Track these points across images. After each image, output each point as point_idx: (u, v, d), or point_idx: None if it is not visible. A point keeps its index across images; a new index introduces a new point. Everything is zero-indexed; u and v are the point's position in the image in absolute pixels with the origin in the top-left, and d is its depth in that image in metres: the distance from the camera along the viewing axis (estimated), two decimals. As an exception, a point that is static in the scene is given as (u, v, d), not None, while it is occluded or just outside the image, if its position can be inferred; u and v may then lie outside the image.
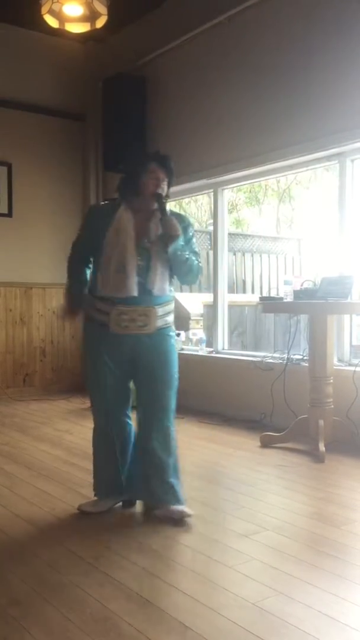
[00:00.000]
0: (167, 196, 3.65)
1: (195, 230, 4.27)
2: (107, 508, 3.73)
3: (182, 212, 4.09)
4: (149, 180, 3.55)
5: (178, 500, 3.59)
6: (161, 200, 3.54)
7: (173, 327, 3.71)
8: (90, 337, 3.73)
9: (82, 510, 3.72)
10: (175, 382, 3.66)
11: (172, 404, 3.66)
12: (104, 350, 3.63)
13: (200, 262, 3.70)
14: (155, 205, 3.55)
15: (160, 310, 3.58)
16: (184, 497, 3.63)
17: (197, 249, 3.72)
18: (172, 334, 3.70)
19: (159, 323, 3.58)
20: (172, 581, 2.82)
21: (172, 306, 3.69)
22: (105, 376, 3.64)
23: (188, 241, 3.65)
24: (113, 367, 3.62)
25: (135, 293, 3.48)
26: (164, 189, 3.58)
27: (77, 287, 3.78)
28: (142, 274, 3.50)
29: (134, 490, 3.76)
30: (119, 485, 3.74)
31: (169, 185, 3.64)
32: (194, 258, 3.63)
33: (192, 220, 3.90)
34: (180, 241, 3.53)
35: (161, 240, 3.50)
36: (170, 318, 3.68)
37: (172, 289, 3.69)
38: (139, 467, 3.72)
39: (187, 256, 3.57)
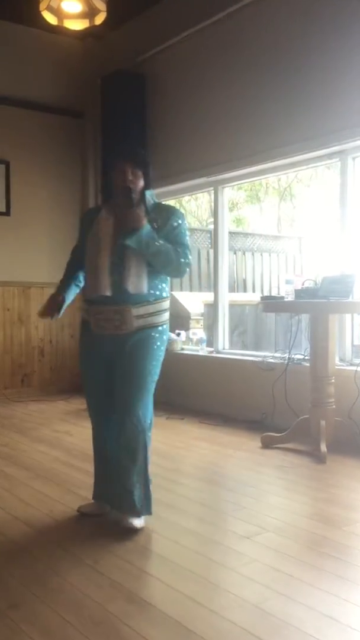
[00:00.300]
0: (146, 187, 3.56)
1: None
2: (103, 511, 3.70)
3: (170, 204, 3.93)
4: (117, 176, 3.52)
5: (132, 510, 3.45)
6: (128, 193, 3.47)
7: (162, 327, 3.56)
8: (80, 338, 3.76)
9: (82, 512, 3.69)
10: (147, 385, 3.48)
11: (143, 408, 3.47)
12: (90, 351, 3.64)
13: (185, 253, 3.52)
14: (129, 200, 3.49)
15: (137, 310, 3.44)
16: (144, 507, 3.48)
17: (184, 241, 3.57)
18: (156, 334, 3.52)
19: (139, 323, 3.45)
20: (172, 583, 2.80)
21: (159, 306, 3.53)
22: (92, 377, 3.65)
23: (171, 232, 3.52)
24: (98, 368, 3.61)
25: (108, 292, 3.44)
26: (133, 181, 3.49)
27: (60, 288, 3.80)
28: (118, 272, 3.43)
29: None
30: (110, 488, 3.68)
31: (146, 175, 3.55)
32: (170, 248, 3.46)
33: (181, 211, 3.75)
34: (145, 233, 3.39)
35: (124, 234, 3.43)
36: (157, 318, 3.52)
37: (163, 287, 3.56)
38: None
39: (157, 247, 3.42)
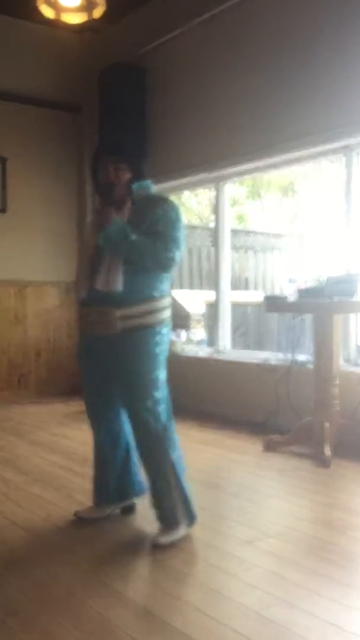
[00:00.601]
0: (136, 178, 3.46)
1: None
2: (102, 515, 3.65)
3: (161, 194, 3.80)
4: (100, 173, 3.46)
5: (164, 521, 3.35)
6: (109, 190, 3.41)
7: (158, 328, 3.40)
8: (77, 339, 3.73)
9: (78, 516, 3.65)
10: (148, 388, 3.35)
11: (150, 412, 3.34)
12: (84, 352, 3.60)
13: (167, 247, 3.31)
14: (109, 197, 3.43)
15: (123, 311, 3.32)
16: (177, 516, 3.34)
17: (168, 232, 3.35)
18: (150, 335, 3.37)
19: (127, 324, 3.32)
20: (172, 590, 2.79)
21: (151, 306, 3.38)
22: (86, 380, 3.62)
23: (154, 223, 3.37)
24: (91, 370, 3.56)
25: (84, 293, 3.44)
26: (115, 176, 3.40)
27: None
28: (95, 271, 3.38)
29: (127, 497, 3.71)
30: (107, 494, 3.66)
31: (133, 167, 3.46)
32: (146, 242, 3.29)
33: (171, 201, 3.56)
34: (113, 230, 3.26)
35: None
36: (150, 319, 3.37)
37: (156, 286, 3.41)
38: (128, 473, 3.67)
39: (130, 243, 3.27)
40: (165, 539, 3.26)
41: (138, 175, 3.49)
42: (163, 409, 3.39)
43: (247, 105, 6.30)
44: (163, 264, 3.33)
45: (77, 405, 7.15)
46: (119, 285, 3.31)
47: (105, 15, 4.97)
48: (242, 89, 6.35)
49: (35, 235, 7.99)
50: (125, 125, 7.19)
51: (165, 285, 3.49)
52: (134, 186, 3.45)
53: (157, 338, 3.39)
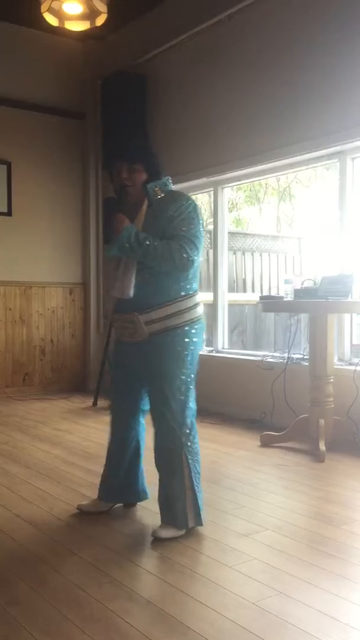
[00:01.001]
0: (152, 178, 3.41)
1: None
2: (105, 508, 3.71)
3: (178, 191, 3.56)
4: (115, 176, 3.44)
5: (174, 522, 3.34)
6: (123, 192, 3.39)
7: (184, 329, 3.34)
8: (114, 343, 3.74)
9: (81, 510, 3.70)
10: (174, 391, 3.34)
11: (177, 414, 3.33)
12: (117, 356, 3.64)
13: (184, 247, 3.23)
14: (123, 200, 3.41)
15: (147, 316, 3.30)
16: (188, 519, 3.34)
17: (183, 232, 3.27)
18: (176, 337, 3.33)
19: (153, 328, 3.31)
20: (172, 581, 2.81)
21: (174, 307, 3.31)
22: (114, 380, 3.65)
23: (169, 222, 3.30)
24: (122, 373, 3.60)
25: (114, 299, 3.43)
26: (129, 178, 3.38)
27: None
28: (116, 280, 3.38)
29: (131, 497, 3.76)
30: (114, 488, 3.71)
31: (149, 167, 3.42)
32: (159, 245, 3.22)
33: (187, 197, 3.42)
34: (126, 236, 3.23)
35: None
36: (175, 320, 3.31)
37: (180, 287, 3.35)
38: (134, 477, 3.71)
39: (145, 248, 3.21)
40: (166, 533, 3.29)
41: (154, 175, 3.43)
42: (188, 412, 3.39)
43: (244, 112, 6.36)
44: (180, 264, 3.24)
45: (79, 402, 7.26)
46: (129, 292, 3.28)
47: (107, 23, 5.05)
48: (239, 96, 6.41)
49: (40, 238, 8.06)
50: (127, 131, 7.25)
51: (190, 285, 3.40)
52: (150, 185, 3.38)
53: (185, 339, 3.35)
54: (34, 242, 8.01)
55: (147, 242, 3.22)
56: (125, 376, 3.57)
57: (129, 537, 3.35)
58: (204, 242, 3.58)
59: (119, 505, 3.78)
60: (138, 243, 3.22)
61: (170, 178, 3.53)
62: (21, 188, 7.87)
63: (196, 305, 3.42)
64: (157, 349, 3.33)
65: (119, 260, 3.39)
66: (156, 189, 3.41)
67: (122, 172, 3.38)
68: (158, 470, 3.43)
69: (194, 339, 3.39)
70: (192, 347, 3.38)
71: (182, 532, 3.33)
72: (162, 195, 3.40)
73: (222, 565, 2.99)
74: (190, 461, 3.36)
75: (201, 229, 3.36)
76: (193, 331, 3.38)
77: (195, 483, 3.37)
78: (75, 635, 2.36)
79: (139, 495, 3.75)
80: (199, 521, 3.38)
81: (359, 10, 5.28)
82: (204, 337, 3.60)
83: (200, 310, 3.45)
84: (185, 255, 3.23)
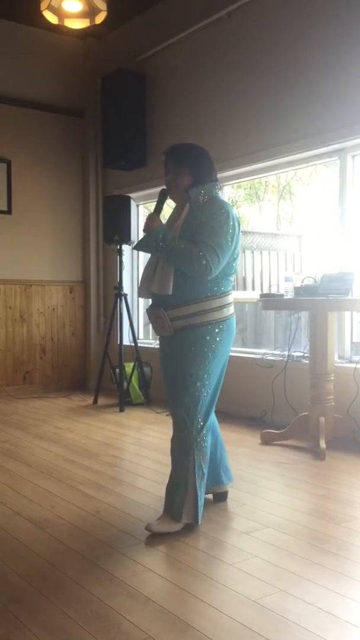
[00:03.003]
0: (197, 183, 3.44)
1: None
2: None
3: (221, 200, 3.52)
4: (165, 174, 3.55)
5: (171, 512, 3.38)
6: (163, 195, 3.50)
7: (207, 328, 3.38)
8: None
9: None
10: (190, 387, 3.38)
11: (188, 411, 3.39)
12: (159, 350, 3.70)
13: (205, 254, 3.24)
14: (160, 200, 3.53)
15: (173, 312, 3.37)
16: (182, 514, 3.37)
17: (209, 240, 3.28)
18: (198, 336, 3.37)
19: (179, 324, 3.38)
20: (172, 578, 2.82)
21: (198, 306, 3.36)
22: (163, 375, 3.67)
23: (199, 228, 3.34)
24: (162, 367, 3.65)
25: (143, 295, 3.54)
26: (172, 180, 3.48)
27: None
28: (150, 276, 3.47)
29: (221, 480, 3.84)
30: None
31: (196, 171, 3.45)
32: (185, 249, 3.27)
33: (226, 209, 3.39)
34: (154, 236, 3.32)
35: None
36: (198, 319, 3.36)
37: (206, 287, 3.38)
38: (220, 462, 3.81)
39: (170, 248, 3.28)
40: (158, 528, 3.32)
41: (201, 179, 3.46)
42: (200, 409, 3.42)
43: (244, 109, 6.37)
44: (198, 270, 3.27)
45: (80, 400, 7.27)
46: (169, 289, 3.33)
47: (107, 21, 5.06)
48: (239, 94, 6.41)
49: (40, 236, 8.07)
50: (127, 129, 7.27)
51: (218, 286, 3.43)
52: (194, 190, 3.42)
53: (206, 337, 3.39)
54: (34, 240, 8.02)
55: (173, 244, 3.30)
56: (164, 369, 3.64)
57: (129, 534, 3.36)
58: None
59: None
60: (164, 243, 3.31)
61: (218, 183, 3.56)
62: (21, 186, 7.88)
63: (224, 306, 3.46)
64: (180, 345, 3.42)
65: (156, 258, 3.47)
66: (201, 193, 3.44)
67: (168, 174, 3.49)
68: (171, 460, 3.51)
69: (217, 339, 3.42)
70: (213, 346, 3.42)
71: (176, 527, 3.35)
72: (205, 200, 3.44)
73: (223, 562, 3.00)
74: (196, 457, 3.40)
75: (229, 240, 3.36)
76: (217, 330, 3.42)
77: (197, 480, 3.40)
78: (76, 633, 2.36)
79: (225, 475, 3.83)
80: (194, 519, 3.41)
81: (358, 8, 5.28)
82: (233, 338, 3.58)
83: (228, 311, 3.49)
84: (204, 262, 3.26)
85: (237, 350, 6.81)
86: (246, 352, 6.63)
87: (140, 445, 5.38)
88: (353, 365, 5.30)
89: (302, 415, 5.18)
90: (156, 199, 3.62)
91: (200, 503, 3.42)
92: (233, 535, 3.34)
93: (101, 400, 7.16)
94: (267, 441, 5.29)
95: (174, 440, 3.49)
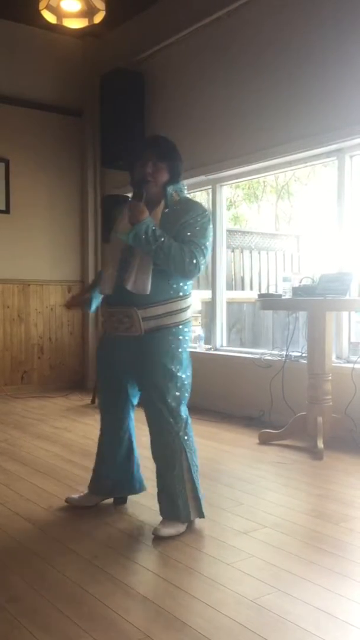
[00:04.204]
0: (173, 180, 3.42)
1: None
2: (92, 503, 3.75)
3: (195, 200, 3.60)
4: (138, 167, 3.42)
5: (177, 517, 3.37)
6: (144, 186, 3.35)
7: (178, 328, 3.40)
8: (99, 338, 3.79)
9: (70, 502, 3.76)
10: (170, 388, 3.38)
11: (173, 410, 3.38)
12: (104, 350, 3.62)
13: (194, 253, 3.26)
14: (140, 193, 3.33)
15: (145, 312, 3.32)
16: (190, 512, 3.39)
17: (196, 240, 3.30)
18: (171, 336, 3.38)
19: (150, 324, 3.33)
20: (170, 578, 2.82)
21: (172, 306, 3.37)
22: (102, 375, 3.66)
23: (183, 228, 3.31)
24: (108, 367, 3.59)
25: (109, 291, 3.40)
26: (153, 174, 3.37)
27: (89, 286, 3.78)
28: (125, 271, 3.33)
29: (124, 492, 3.79)
30: (103, 484, 3.74)
31: (172, 168, 3.42)
32: (174, 246, 3.24)
33: (204, 208, 3.43)
34: (143, 228, 3.20)
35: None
36: (171, 319, 3.37)
37: (178, 287, 3.40)
38: (129, 469, 3.73)
39: (158, 244, 3.21)
40: (166, 531, 3.30)
41: (175, 178, 3.45)
42: (182, 407, 3.44)
43: (242, 109, 6.37)
44: (188, 269, 3.28)
45: (78, 400, 7.26)
46: (147, 288, 3.28)
47: (105, 20, 5.05)
48: (237, 94, 6.42)
49: (38, 236, 8.07)
50: (125, 129, 7.26)
51: (188, 286, 3.47)
52: (170, 188, 3.41)
53: (179, 337, 3.41)
54: (33, 239, 8.02)
55: (163, 239, 3.23)
56: (114, 370, 3.57)
57: (126, 534, 3.36)
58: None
59: (108, 501, 3.80)
60: (154, 237, 3.22)
61: (185, 185, 3.56)
62: (19, 186, 7.87)
63: (189, 307, 3.49)
64: (152, 346, 3.36)
65: (128, 251, 3.35)
66: (175, 191, 3.44)
67: (148, 165, 3.39)
68: (157, 465, 3.45)
69: (186, 338, 3.46)
70: (185, 346, 3.45)
71: (182, 528, 3.36)
72: (178, 199, 3.44)
73: (221, 562, 2.99)
74: (188, 454, 3.41)
75: (210, 241, 3.42)
76: (186, 330, 3.45)
77: (194, 475, 3.41)
78: (74, 632, 2.36)
79: (136, 487, 3.77)
80: (200, 513, 3.42)
81: (357, 8, 5.29)
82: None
83: (191, 312, 3.53)
84: (194, 262, 3.27)
85: (235, 350, 6.83)
86: (244, 352, 6.63)
87: (138, 445, 5.36)
88: (351, 365, 5.31)
89: (300, 415, 5.18)
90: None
91: (201, 495, 3.43)
92: (231, 534, 3.34)
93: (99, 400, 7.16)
94: (265, 441, 5.29)
95: (156, 445, 3.44)
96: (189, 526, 3.40)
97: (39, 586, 2.74)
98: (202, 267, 3.34)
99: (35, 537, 3.33)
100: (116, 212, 3.63)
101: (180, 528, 3.35)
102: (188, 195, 3.56)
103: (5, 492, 4.05)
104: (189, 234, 3.31)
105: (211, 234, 3.42)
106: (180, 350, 3.41)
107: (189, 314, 3.48)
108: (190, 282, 3.49)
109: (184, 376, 3.44)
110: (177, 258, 3.25)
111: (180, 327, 3.42)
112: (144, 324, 3.33)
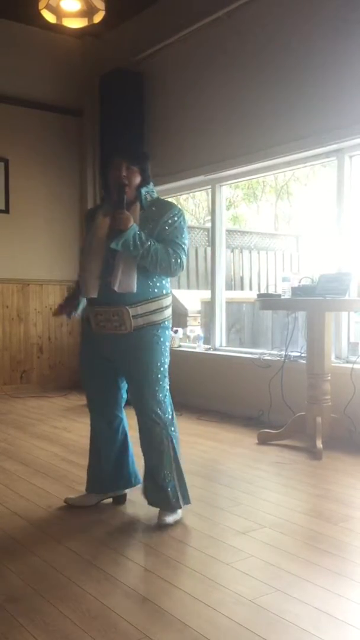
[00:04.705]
0: (144, 183, 3.54)
1: (193, 227, 4.05)
2: (91, 503, 3.77)
3: (169, 200, 3.87)
4: (112, 173, 3.51)
5: (167, 506, 3.51)
6: (122, 191, 3.44)
7: (164, 324, 3.54)
8: (82, 336, 3.86)
9: (69, 503, 3.78)
10: (157, 382, 3.50)
11: (159, 404, 3.51)
12: (89, 349, 3.70)
13: (177, 253, 3.45)
14: (121, 198, 3.45)
15: (134, 310, 3.42)
16: (179, 500, 3.52)
17: (178, 239, 3.48)
18: (157, 332, 3.51)
19: (139, 322, 3.44)
20: (169, 578, 2.82)
21: (158, 303, 3.51)
22: (90, 374, 3.72)
23: (164, 229, 3.47)
24: (96, 366, 3.66)
25: (94, 294, 3.48)
26: (127, 177, 3.46)
27: (74, 291, 3.83)
28: (110, 273, 3.41)
29: (120, 487, 3.81)
30: (101, 482, 3.77)
31: (143, 171, 3.53)
32: (159, 248, 3.39)
33: (179, 208, 3.63)
34: (132, 235, 3.33)
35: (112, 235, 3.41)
36: (157, 316, 3.50)
37: (162, 285, 3.53)
38: (125, 464, 3.78)
39: (146, 248, 3.34)
40: (171, 518, 3.45)
41: (146, 179, 3.57)
42: (167, 399, 3.56)
43: (241, 109, 6.37)
44: (173, 269, 3.46)
45: (77, 400, 7.25)
46: (133, 287, 3.40)
47: (105, 20, 5.04)
48: (237, 94, 6.42)
49: (37, 235, 8.06)
50: (125, 129, 7.26)
51: (169, 284, 3.62)
52: (143, 190, 3.53)
53: (164, 333, 3.56)
54: (32, 239, 8.01)
55: (149, 243, 3.38)
56: (103, 368, 3.65)
57: (125, 533, 3.37)
58: (202, 240, 3.69)
59: (107, 501, 3.82)
60: (141, 242, 3.36)
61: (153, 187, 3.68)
62: (19, 185, 7.87)
63: (170, 304, 3.65)
64: (140, 342, 3.48)
65: (112, 253, 3.42)
66: (147, 192, 3.58)
67: (121, 169, 3.48)
68: (145, 457, 3.58)
69: (167, 335, 3.61)
70: (168, 343, 3.61)
71: (180, 513, 3.54)
72: (151, 200, 3.58)
73: (219, 562, 3.00)
74: (174, 444, 3.55)
75: (188, 239, 3.62)
76: (169, 325, 3.62)
77: (180, 463, 3.57)
78: (73, 632, 2.36)
79: (131, 481, 3.82)
80: (187, 500, 3.58)
81: (356, 8, 5.29)
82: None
83: (170, 310, 3.67)
84: (179, 261, 3.48)
85: (234, 350, 6.83)
86: (243, 352, 6.63)
87: (137, 444, 5.37)
88: (350, 365, 5.31)
89: (299, 415, 5.19)
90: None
91: (186, 482, 3.60)
92: (230, 534, 3.34)
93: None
94: (264, 441, 5.30)
95: (148, 438, 3.56)
96: (187, 526, 3.43)
97: (38, 586, 2.74)
98: (184, 264, 3.55)
99: (34, 536, 3.33)
100: (87, 217, 3.80)
101: (178, 515, 3.53)
102: (159, 196, 3.71)
103: (4, 491, 4.05)
104: (168, 234, 3.48)
105: (187, 232, 3.62)
106: (164, 346, 3.56)
107: (170, 311, 3.64)
108: (169, 281, 3.63)
109: (165, 370, 3.58)
110: (163, 259, 3.42)
111: (166, 323, 3.58)
112: (134, 322, 3.44)
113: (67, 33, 7.61)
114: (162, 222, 3.48)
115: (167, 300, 3.60)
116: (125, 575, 2.84)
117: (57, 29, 6.10)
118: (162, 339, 3.54)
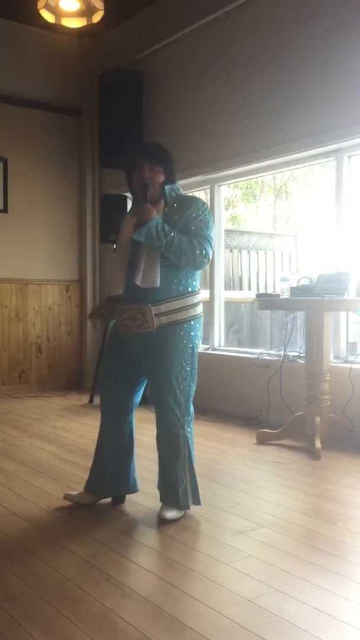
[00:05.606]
0: (168, 181, 3.57)
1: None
2: (90, 502, 3.77)
3: (193, 195, 3.79)
4: (135, 173, 3.55)
5: (177, 504, 3.54)
6: (145, 190, 3.49)
7: (189, 324, 3.51)
8: (109, 338, 3.85)
9: (67, 498, 3.80)
10: (179, 383, 3.50)
11: (179, 405, 3.51)
12: (114, 352, 3.70)
13: (202, 245, 3.43)
14: (145, 196, 3.50)
15: (157, 308, 3.42)
16: (190, 500, 3.56)
17: (202, 232, 3.47)
18: (182, 332, 3.49)
19: (162, 320, 3.44)
20: (168, 578, 2.82)
21: (183, 302, 3.50)
22: (110, 378, 3.70)
23: (188, 222, 3.48)
24: (119, 371, 3.65)
25: (119, 291, 3.50)
26: (150, 177, 3.51)
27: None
28: (132, 269, 3.44)
29: (122, 489, 3.80)
30: (101, 482, 3.77)
31: (167, 170, 3.57)
32: (183, 239, 3.40)
33: (203, 202, 3.64)
34: (154, 225, 3.36)
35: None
36: (182, 315, 3.49)
37: (188, 282, 3.53)
38: (127, 470, 3.76)
39: (169, 239, 3.36)
40: (171, 514, 3.49)
41: (170, 178, 3.60)
42: (190, 401, 3.57)
43: (240, 110, 6.37)
44: (198, 260, 3.43)
45: (76, 400, 7.26)
46: (156, 281, 3.40)
47: (104, 20, 5.04)
48: (236, 94, 6.42)
49: (36, 235, 8.06)
50: (124, 128, 7.26)
51: (196, 282, 3.60)
52: (167, 187, 3.56)
53: (190, 333, 3.53)
54: (31, 239, 8.01)
55: (173, 234, 3.39)
56: (124, 368, 3.64)
57: (124, 534, 3.37)
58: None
59: (106, 501, 3.81)
60: (164, 233, 3.38)
61: (180, 185, 3.71)
62: (18, 185, 7.87)
63: (200, 302, 3.61)
64: (164, 341, 3.48)
65: (136, 249, 3.44)
66: (172, 190, 3.60)
67: (144, 170, 3.51)
68: (160, 454, 3.59)
69: (198, 333, 3.59)
70: (196, 342, 3.58)
71: (182, 512, 3.56)
72: (176, 197, 3.60)
73: (218, 562, 3.00)
74: (190, 447, 3.57)
75: (214, 231, 3.60)
76: (197, 326, 3.58)
77: (193, 465, 3.59)
78: (73, 632, 2.36)
79: (130, 487, 3.80)
80: (197, 500, 3.61)
81: (356, 7, 5.29)
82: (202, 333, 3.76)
83: (201, 307, 3.63)
84: (204, 253, 3.45)
85: (233, 350, 6.83)
86: (242, 352, 6.64)
87: (136, 443, 5.37)
88: (348, 365, 5.32)
89: (298, 415, 5.19)
90: None
91: (197, 483, 3.61)
92: (229, 534, 3.34)
93: (97, 400, 7.16)
94: (262, 441, 5.30)
95: (162, 439, 3.58)
96: (186, 525, 3.43)
97: (37, 586, 2.74)
98: (210, 258, 3.51)
99: (33, 536, 3.33)
100: (118, 221, 3.82)
101: (181, 512, 3.56)
102: (184, 193, 3.72)
103: (3, 491, 4.05)
104: (193, 227, 3.48)
105: (213, 225, 3.60)
106: (191, 345, 3.53)
107: (199, 309, 3.59)
108: (198, 278, 3.61)
109: (193, 371, 3.57)
110: (188, 250, 3.40)
111: (192, 322, 3.54)
112: (156, 320, 3.43)
113: (66, 33, 7.60)
114: (186, 215, 3.49)
115: (193, 299, 3.56)
116: (124, 576, 2.84)
117: (56, 28, 6.10)
118: (186, 340, 3.52)
